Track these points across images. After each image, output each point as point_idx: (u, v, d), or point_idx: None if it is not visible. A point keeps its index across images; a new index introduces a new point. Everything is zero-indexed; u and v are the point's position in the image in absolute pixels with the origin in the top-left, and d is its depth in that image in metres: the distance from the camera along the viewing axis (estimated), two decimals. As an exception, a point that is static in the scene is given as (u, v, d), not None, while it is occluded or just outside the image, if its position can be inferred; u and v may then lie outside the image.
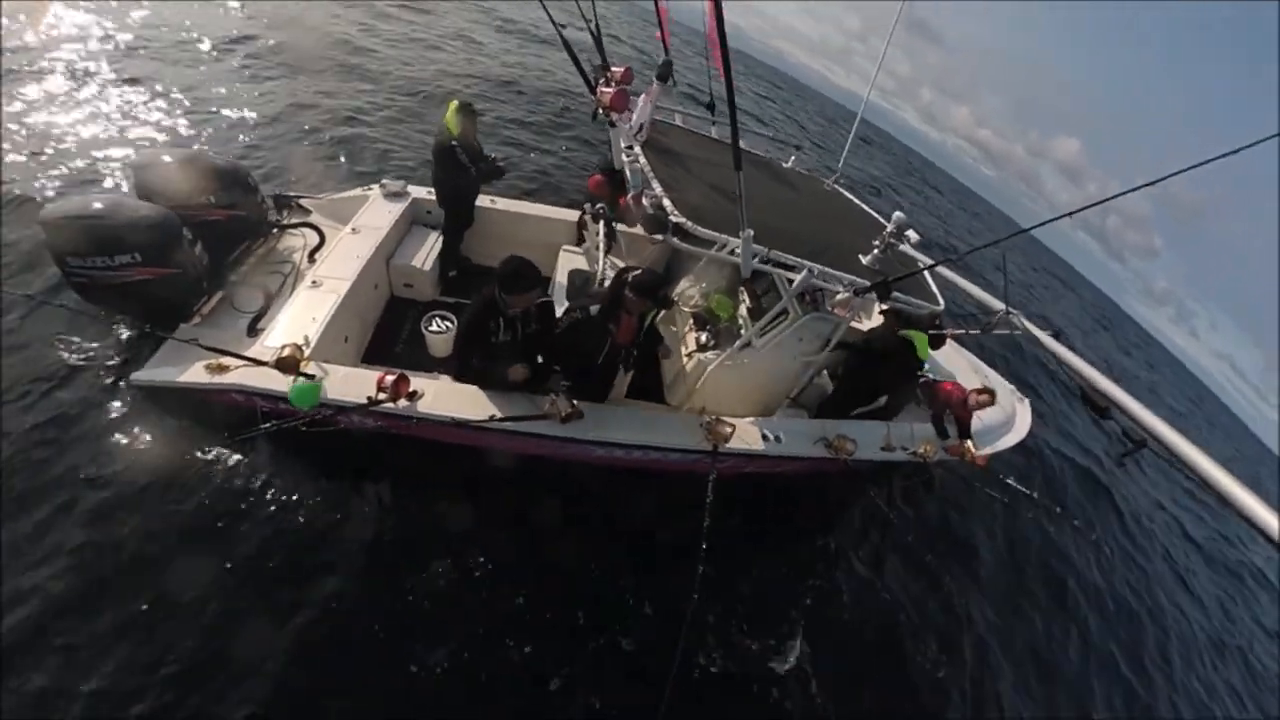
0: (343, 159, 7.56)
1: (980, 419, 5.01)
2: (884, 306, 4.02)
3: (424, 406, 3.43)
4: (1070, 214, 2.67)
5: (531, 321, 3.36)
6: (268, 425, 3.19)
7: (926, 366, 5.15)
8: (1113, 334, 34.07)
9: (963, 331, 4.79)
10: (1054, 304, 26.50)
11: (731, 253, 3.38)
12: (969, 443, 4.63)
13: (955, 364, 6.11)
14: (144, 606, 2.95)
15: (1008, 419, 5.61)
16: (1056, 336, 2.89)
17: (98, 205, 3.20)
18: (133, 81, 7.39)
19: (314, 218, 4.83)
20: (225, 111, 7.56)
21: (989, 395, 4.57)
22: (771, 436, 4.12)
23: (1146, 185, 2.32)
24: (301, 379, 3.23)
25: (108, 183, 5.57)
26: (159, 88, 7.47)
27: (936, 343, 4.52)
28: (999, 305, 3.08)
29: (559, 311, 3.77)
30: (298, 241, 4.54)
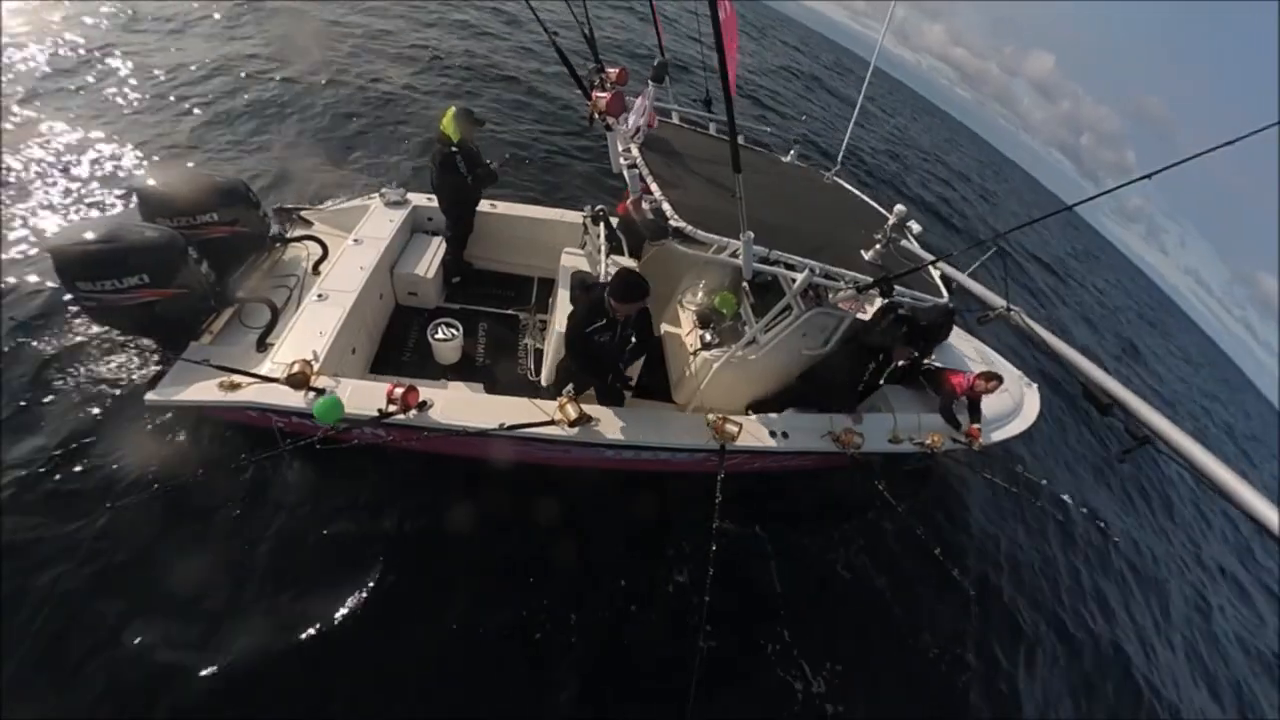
0: (343, 167, 7.57)
1: (989, 406, 5.02)
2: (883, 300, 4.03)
3: (434, 416, 3.47)
4: (1089, 199, 2.64)
5: (630, 326, 3.56)
6: (285, 444, 3.24)
7: (934, 357, 5.16)
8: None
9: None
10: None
11: (733, 254, 3.38)
12: (976, 427, 4.70)
13: (963, 350, 6.10)
14: (147, 608, 3.05)
15: (1016, 405, 5.62)
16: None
17: (103, 230, 3.23)
18: (129, 97, 7.41)
19: (316, 229, 4.84)
20: (224, 126, 7.57)
21: (996, 380, 4.60)
22: (778, 432, 4.15)
23: (1166, 169, 2.29)
24: (321, 395, 3.31)
25: (109, 204, 5.62)
26: (156, 103, 7.49)
27: (937, 320, 4.52)
28: (1000, 302, 3.08)
29: (564, 311, 3.97)
30: (301, 254, 4.57)
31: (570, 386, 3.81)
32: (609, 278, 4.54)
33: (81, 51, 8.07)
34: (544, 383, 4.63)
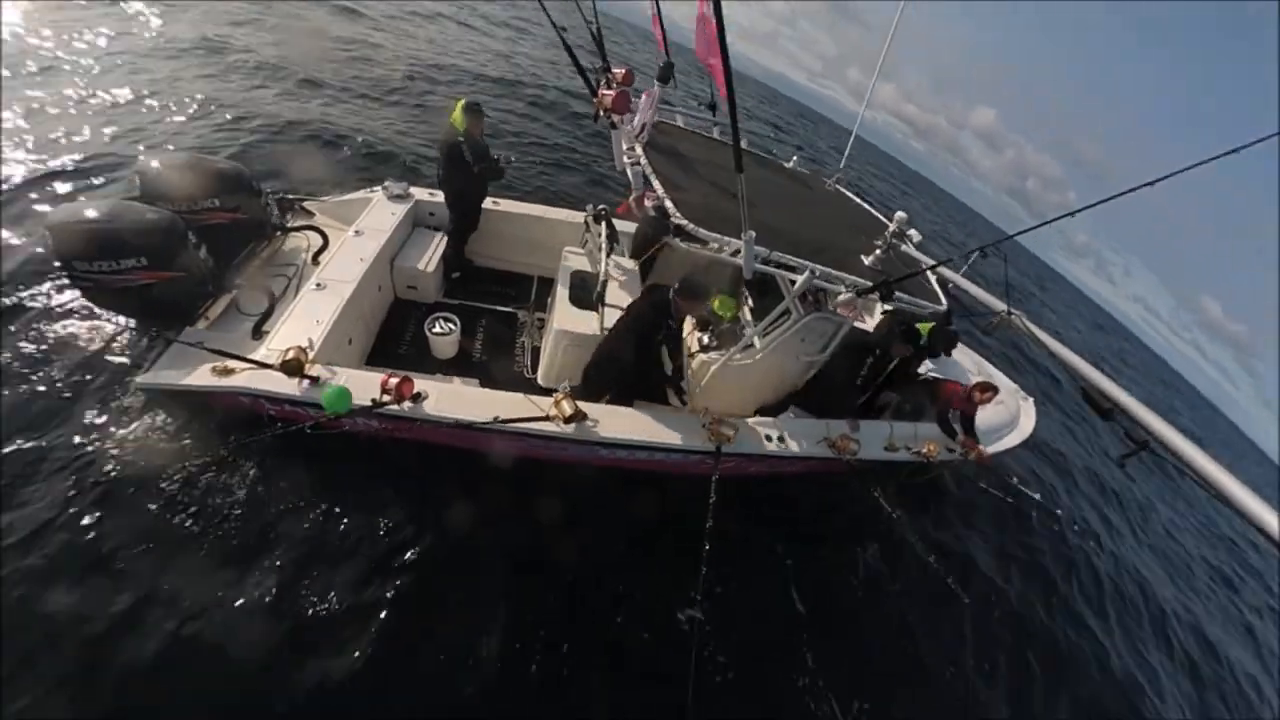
0: (346, 159, 7.59)
1: (984, 419, 5.02)
2: (887, 306, 4.04)
3: (428, 408, 3.45)
4: (1071, 214, 2.67)
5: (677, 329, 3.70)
6: (276, 429, 3.20)
7: (931, 366, 5.18)
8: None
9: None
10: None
11: (734, 254, 3.38)
12: (974, 440, 4.68)
13: (960, 362, 6.11)
14: (142, 606, 2.97)
15: (1012, 418, 5.61)
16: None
17: (103, 210, 3.23)
18: (135, 86, 7.44)
19: (317, 220, 4.85)
20: (228, 115, 7.59)
21: (992, 391, 4.59)
22: (774, 437, 4.13)
23: (1167, 177, 2.31)
24: (315, 383, 3.31)
25: (112, 187, 5.61)
26: (160, 92, 7.52)
27: (949, 341, 4.53)
28: (1001, 306, 3.08)
29: (563, 310, 4.18)
30: (301, 243, 4.58)
31: (567, 384, 3.80)
32: (609, 277, 4.57)
33: (90, 45, 8.12)
34: (541, 381, 4.61)
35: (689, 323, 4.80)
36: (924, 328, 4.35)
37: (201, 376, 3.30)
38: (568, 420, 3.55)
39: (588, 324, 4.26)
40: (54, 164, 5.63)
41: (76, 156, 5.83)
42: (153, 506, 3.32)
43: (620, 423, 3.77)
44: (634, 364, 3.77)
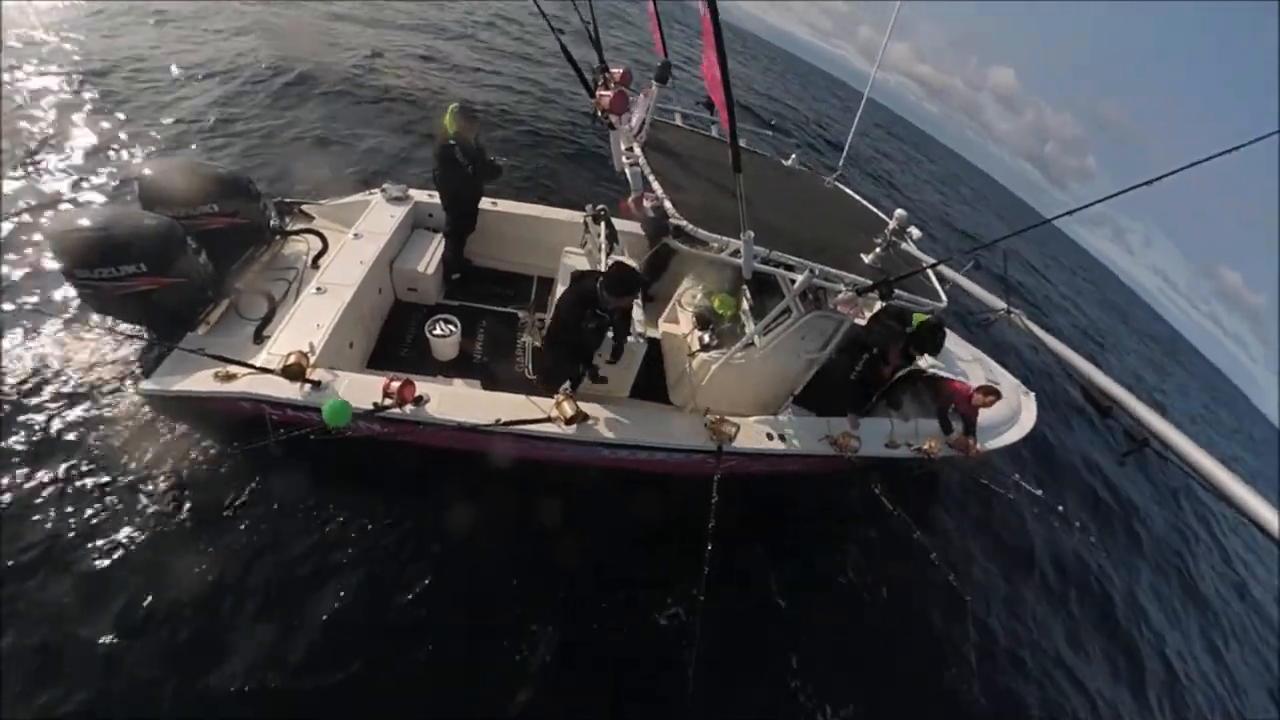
0: (344, 163, 7.57)
1: (986, 415, 5.02)
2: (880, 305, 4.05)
3: (430, 411, 3.45)
4: (1078, 209, 2.66)
5: (613, 318, 3.61)
6: (279, 434, 3.21)
7: (933, 362, 5.18)
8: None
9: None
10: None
11: (733, 254, 3.38)
12: (970, 439, 4.67)
13: (960, 357, 6.11)
14: (142, 610, 2.99)
15: (1013, 413, 5.61)
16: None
17: (102, 218, 3.24)
18: (133, 89, 7.43)
19: (317, 223, 4.85)
20: (227, 120, 7.58)
21: (994, 395, 4.59)
22: (775, 435, 4.14)
23: (1141, 185, 2.32)
24: (318, 388, 3.33)
25: (111, 193, 5.61)
26: (157, 95, 7.51)
27: (935, 342, 4.53)
28: (1000, 304, 3.08)
29: None
30: (301, 247, 4.57)
31: (568, 385, 3.80)
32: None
33: (92, 46, 8.10)
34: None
35: (688, 322, 4.80)
36: (917, 318, 4.33)
37: (203, 382, 3.31)
38: (569, 421, 3.56)
39: (588, 324, 4.25)
40: (58, 169, 5.63)
41: (79, 161, 5.83)
42: (155, 513, 3.34)
43: (622, 423, 3.78)
44: (559, 347, 3.77)
